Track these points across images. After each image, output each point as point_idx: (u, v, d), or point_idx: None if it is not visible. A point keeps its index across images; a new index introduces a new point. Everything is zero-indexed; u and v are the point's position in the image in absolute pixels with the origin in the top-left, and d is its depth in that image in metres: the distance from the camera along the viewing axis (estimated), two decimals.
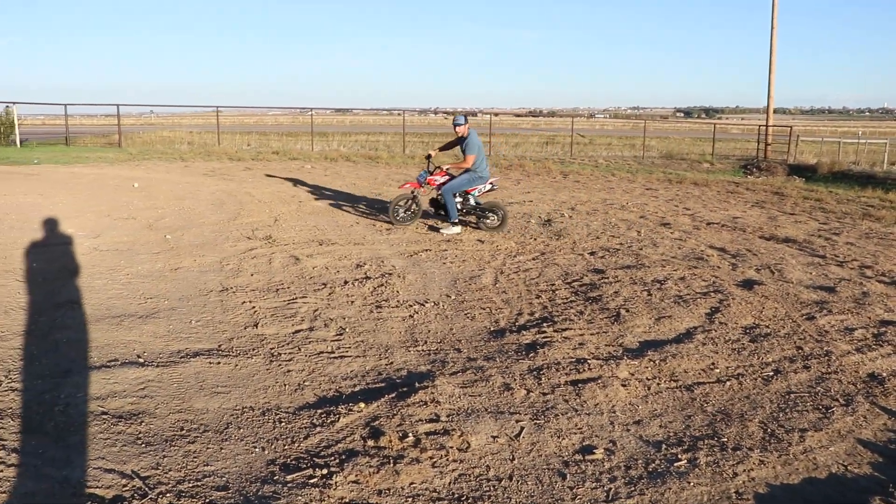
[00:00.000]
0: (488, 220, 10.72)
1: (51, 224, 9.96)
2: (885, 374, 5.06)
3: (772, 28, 25.33)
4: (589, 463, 3.71)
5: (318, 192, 14.64)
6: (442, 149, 11.40)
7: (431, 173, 10.80)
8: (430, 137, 36.74)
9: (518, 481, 3.50)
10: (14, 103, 27.39)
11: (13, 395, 4.38)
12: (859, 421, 4.31)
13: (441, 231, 10.41)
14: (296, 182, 16.26)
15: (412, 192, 10.89)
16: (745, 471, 3.65)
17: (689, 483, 3.51)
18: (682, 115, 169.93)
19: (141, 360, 5.01)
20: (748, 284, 7.47)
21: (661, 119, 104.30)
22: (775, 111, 26.90)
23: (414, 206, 10.94)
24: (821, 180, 19.64)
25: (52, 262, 7.86)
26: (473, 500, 3.32)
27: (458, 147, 10.83)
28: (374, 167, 21.10)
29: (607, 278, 7.62)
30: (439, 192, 10.70)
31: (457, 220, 10.49)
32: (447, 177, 10.71)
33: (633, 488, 3.46)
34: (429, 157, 11.22)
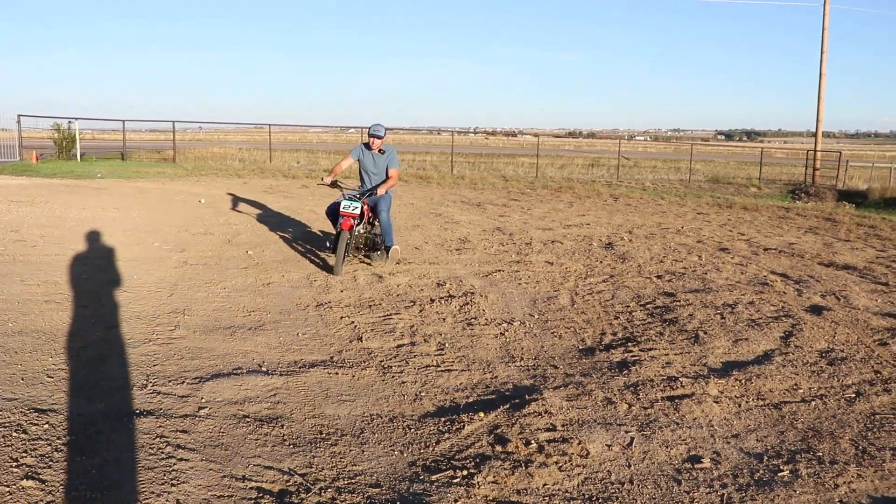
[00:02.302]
0: (378, 253, 9.44)
1: (136, 238, 10.51)
2: None
3: (822, 53, 25.50)
4: (699, 471, 4.05)
5: None
6: (333, 172, 9.42)
7: (359, 200, 8.96)
8: (475, 157, 37.25)
9: (639, 485, 3.86)
10: (76, 119, 28.38)
11: (160, 397, 4.82)
12: None
13: (385, 258, 9.30)
14: None
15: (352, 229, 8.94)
16: (845, 483, 3.96)
17: (795, 491, 3.83)
18: (724, 137, 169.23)
19: (264, 369, 5.44)
20: (816, 310, 7.73)
21: (703, 142, 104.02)
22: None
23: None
24: (872, 206, 19.74)
25: (149, 273, 8.35)
26: (603, 500, 3.69)
27: (366, 163, 9.42)
28: (427, 187, 21.60)
29: (679, 301, 7.93)
30: (370, 221, 9.54)
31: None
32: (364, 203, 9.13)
33: (744, 494, 3.80)
34: (336, 184, 9.33)
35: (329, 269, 8.99)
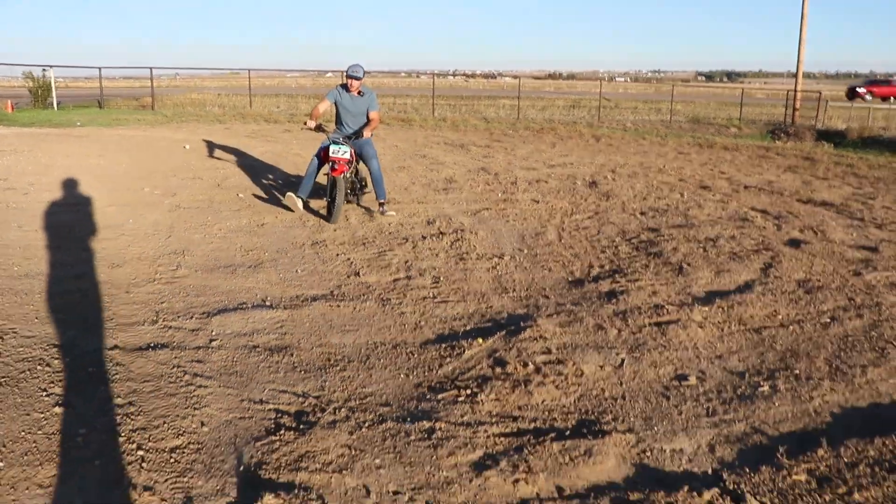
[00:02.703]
0: (366, 192, 9.55)
1: (125, 184, 10.57)
2: None
3: None
4: (686, 387, 4.35)
5: None
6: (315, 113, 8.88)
7: (346, 144, 8.68)
8: (456, 100, 37.14)
9: (630, 400, 4.16)
10: (50, 66, 27.95)
11: (171, 331, 5.04)
12: None
13: (385, 213, 9.05)
14: None
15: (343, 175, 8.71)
16: (819, 395, 4.28)
17: (774, 403, 4.15)
18: (704, 78, 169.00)
19: (268, 304, 5.67)
20: (795, 243, 8.03)
21: (683, 83, 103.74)
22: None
23: None
24: (850, 146, 20.00)
25: (143, 217, 8.47)
26: (598, 413, 3.98)
27: (345, 105, 8.98)
28: (409, 130, 21.61)
29: (663, 236, 8.20)
30: (355, 167, 9.18)
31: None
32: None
33: (727, 406, 4.11)
34: (321, 128, 8.92)
35: (325, 218, 8.77)
